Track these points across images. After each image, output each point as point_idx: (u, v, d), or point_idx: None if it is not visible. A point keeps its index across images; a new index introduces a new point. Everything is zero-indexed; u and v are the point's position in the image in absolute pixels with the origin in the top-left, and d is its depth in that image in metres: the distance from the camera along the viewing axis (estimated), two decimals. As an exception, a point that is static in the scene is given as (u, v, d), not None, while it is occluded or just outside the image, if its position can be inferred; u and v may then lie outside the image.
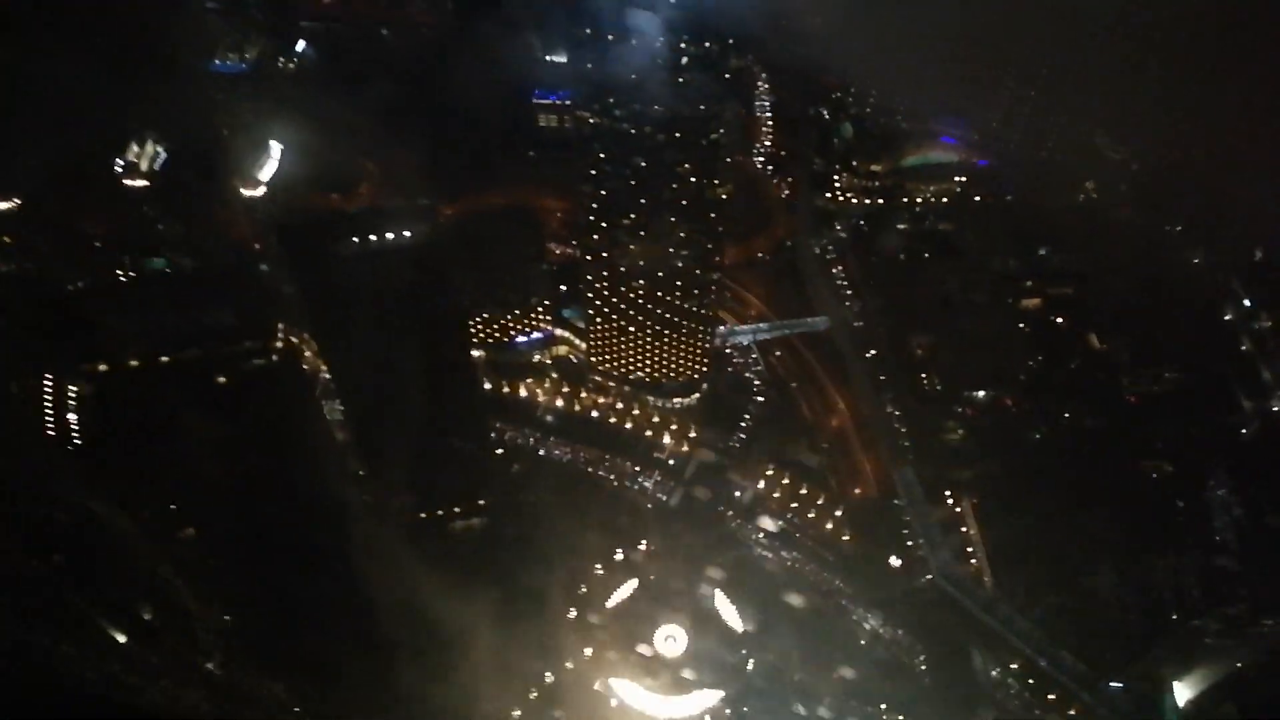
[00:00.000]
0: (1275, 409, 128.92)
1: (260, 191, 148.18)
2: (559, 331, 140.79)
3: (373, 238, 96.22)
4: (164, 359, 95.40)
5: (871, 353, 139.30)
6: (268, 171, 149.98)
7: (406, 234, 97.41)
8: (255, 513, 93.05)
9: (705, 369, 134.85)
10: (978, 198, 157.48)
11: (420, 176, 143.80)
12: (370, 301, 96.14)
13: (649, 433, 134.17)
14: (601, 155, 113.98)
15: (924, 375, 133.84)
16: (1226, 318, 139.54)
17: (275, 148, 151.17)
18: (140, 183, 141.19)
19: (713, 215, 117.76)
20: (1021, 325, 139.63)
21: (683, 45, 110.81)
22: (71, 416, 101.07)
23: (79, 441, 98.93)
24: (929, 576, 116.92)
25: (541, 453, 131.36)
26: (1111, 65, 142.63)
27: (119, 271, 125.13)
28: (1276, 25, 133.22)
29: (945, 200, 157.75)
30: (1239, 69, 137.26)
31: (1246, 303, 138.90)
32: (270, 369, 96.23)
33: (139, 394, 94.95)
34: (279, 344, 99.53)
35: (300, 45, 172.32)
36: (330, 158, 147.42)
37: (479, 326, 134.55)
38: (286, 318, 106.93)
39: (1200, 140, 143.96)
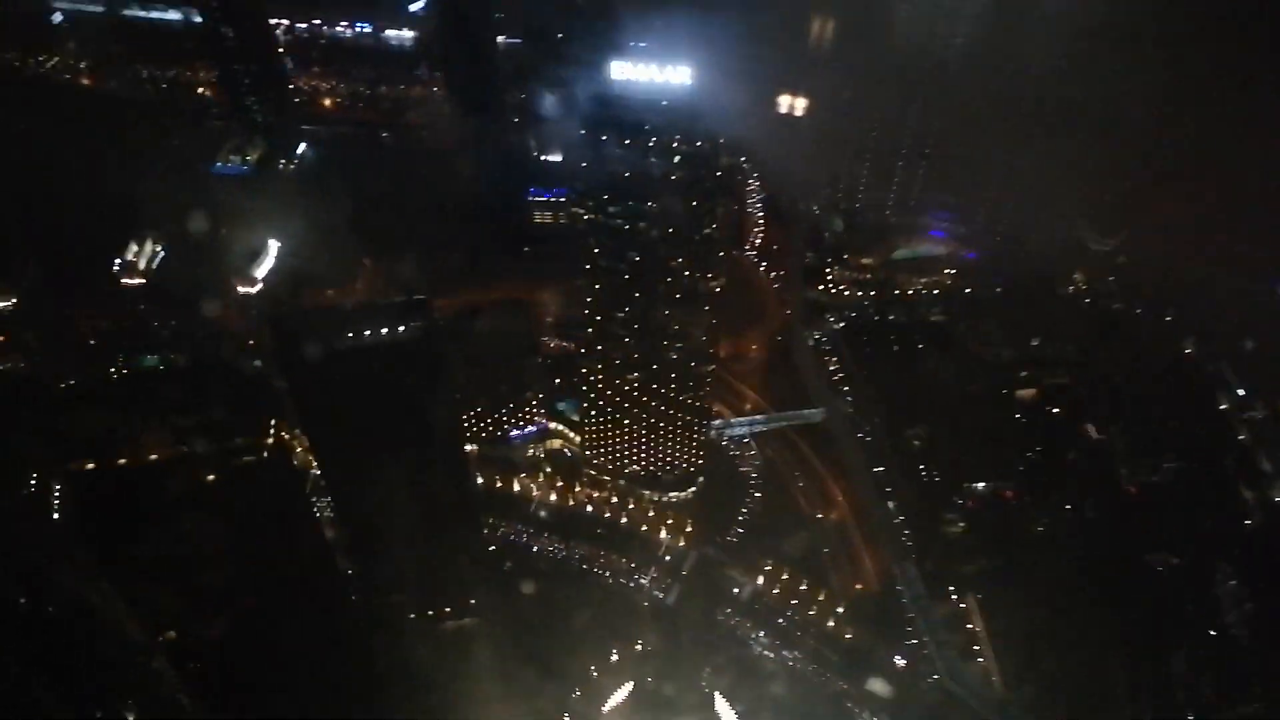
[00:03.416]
0: (1277, 499, 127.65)
1: (256, 288, 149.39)
2: (553, 425, 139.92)
3: (367, 333, 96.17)
4: (152, 457, 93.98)
5: (869, 445, 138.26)
6: (264, 269, 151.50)
7: (401, 329, 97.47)
8: (244, 612, 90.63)
9: (701, 463, 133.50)
10: (968, 289, 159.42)
11: (416, 272, 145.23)
12: (363, 397, 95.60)
13: (645, 528, 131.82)
14: (596, 250, 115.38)
15: (922, 467, 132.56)
16: (1222, 407, 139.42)
17: (273, 245, 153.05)
18: (137, 281, 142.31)
19: (707, 309, 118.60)
20: (1018, 416, 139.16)
21: (675, 144, 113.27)
22: (60, 515, 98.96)
23: (67, 540, 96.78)
24: (935, 676, 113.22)
25: (535, 549, 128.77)
26: (1094, 161, 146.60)
27: (111, 369, 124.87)
28: (1255, 120, 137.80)
29: (936, 292, 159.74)
30: (1220, 162, 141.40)
31: (1240, 392, 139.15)
32: (261, 466, 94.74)
33: (127, 492, 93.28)
34: (270, 440, 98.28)
35: (301, 147, 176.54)
36: (327, 255, 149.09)
37: (472, 421, 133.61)
38: (279, 413, 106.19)
39: (1186, 233, 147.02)
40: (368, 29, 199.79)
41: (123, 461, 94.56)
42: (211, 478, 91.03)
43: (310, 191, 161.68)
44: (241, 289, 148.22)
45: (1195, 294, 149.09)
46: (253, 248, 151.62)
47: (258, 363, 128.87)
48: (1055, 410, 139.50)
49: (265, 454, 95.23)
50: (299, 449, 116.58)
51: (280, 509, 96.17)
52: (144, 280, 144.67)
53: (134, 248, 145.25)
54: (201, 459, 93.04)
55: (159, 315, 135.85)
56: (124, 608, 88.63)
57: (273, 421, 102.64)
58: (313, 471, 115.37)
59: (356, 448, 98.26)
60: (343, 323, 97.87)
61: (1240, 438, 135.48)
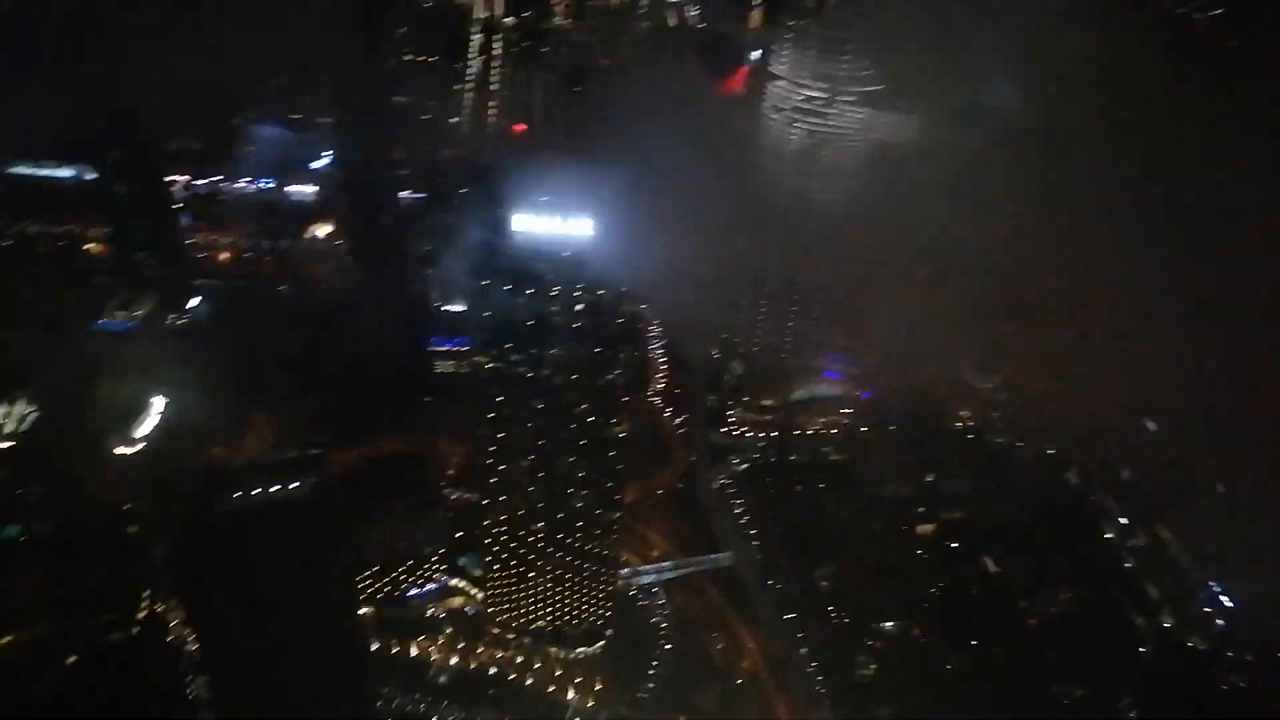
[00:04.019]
0: (1167, 625, 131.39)
1: (136, 449, 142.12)
2: (455, 582, 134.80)
3: (256, 492, 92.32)
4: (7, 639, 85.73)
5: (777, 588, 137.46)
6: (146, 428, 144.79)
7: (293, 486, 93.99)
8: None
9: (610, 615, 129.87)
10: (865, 428, 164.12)
11: (311, 426, 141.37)
12: (249, 561, 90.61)
13: (552, 688, 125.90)
14: (499, 399, 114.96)
15: (831, 609, 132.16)
16: (1108, 536, 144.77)
17: (157, 403, 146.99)
18: (4, 445, 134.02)
19: (612, 454, 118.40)
20: (920, 552, 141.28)
21: (577, 293, 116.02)
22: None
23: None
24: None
25: (435, 719, 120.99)
26: (972, 305, 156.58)
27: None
28: (1117, 265, 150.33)
29: (835, 431, 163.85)
30: (1087, 305, 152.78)
31: (1123, 520, 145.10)
32: (130, 643, 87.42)
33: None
34: (144, 615, 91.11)
35: (194, 301, 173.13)
36: (216, 410, 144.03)
37: (368, 581, 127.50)
38: (154, 584, 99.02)
39: (1059, 370, 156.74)
40: (269, 184, 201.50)
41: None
42: (74, 660, 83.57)
43: (200, 346, 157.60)
44: (120, 450, 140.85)
45: (1072, 428, 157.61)
46: (134, 406, 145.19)
47: (133, 529, 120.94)
48: (954, 545, 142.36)
49: (137, 630, 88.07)
50: (175, 622, 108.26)
51: (152, 692, 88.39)
52: (13, 444, 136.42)
53: (3, 409, 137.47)
54: (65, 638, 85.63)
55: (26, 482, 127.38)
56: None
57: (147, 593, 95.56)
58: (189, 646, 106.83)
59: (240, 618, 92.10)
60: (229, 482, 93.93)
61: (1127, 565, 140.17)
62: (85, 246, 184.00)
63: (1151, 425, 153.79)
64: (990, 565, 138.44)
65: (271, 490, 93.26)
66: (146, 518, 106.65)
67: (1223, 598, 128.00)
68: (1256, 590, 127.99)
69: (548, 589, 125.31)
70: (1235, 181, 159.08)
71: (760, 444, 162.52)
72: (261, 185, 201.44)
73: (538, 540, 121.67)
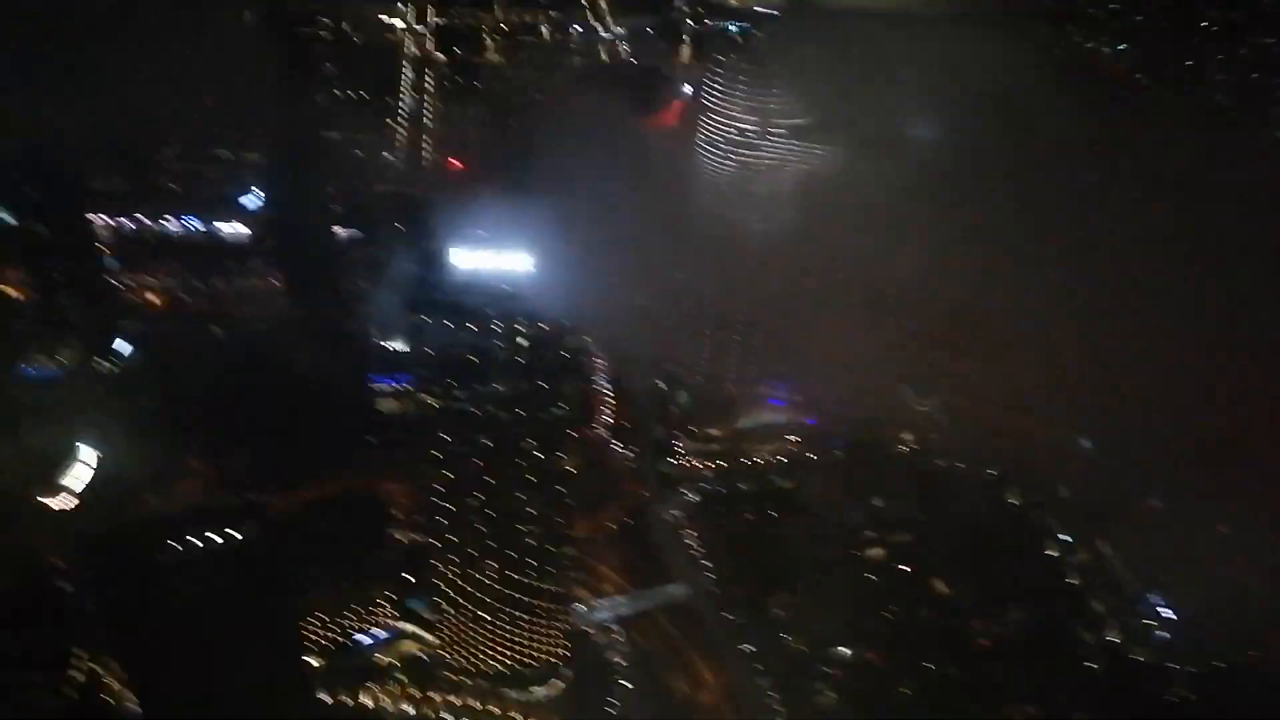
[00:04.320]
0: (1113, 640, 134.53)
1: (65, 502, 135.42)
2: (406, 627, 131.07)
3: (194, 541, 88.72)
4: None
5: (733, 619, 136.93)
6: (75, 480, 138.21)
7: (233, 534, 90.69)
8: None
9: (566, 653, 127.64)
10: (810, 455, 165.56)
11: (251, 471, 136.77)
12: (189, 615, 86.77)
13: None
14: (445, 436, 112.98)
15: (787, 637, 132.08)
16: (1051, 554, 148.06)
17: (88, 454, 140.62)
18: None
19: (560, 489, 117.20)
20: (871, 576, 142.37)
21: (520, 327, 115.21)
22: None
23: None
24: None
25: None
26: (908, 329, 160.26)
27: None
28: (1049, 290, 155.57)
29: (782, 459, 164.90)
30: (1022, 326, 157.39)
31: (1065, 538, 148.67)
32: (66, 705, 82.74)
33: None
34: (78, 677, 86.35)
35: (121, 345, 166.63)
36: (149, 458, 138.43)
37: (315, 630, 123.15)
38: (87, 644, 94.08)
39: (995, 391, 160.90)
40: (198, 224, 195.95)
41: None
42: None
43: (130, 392, 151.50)
44: (50, 504, 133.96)
45: (1010, 448, 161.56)
46: (62, 457, 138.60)
47: (65, 586, 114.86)
48: (904, 569, 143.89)
49: (70, 694, 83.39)
50: (112, 684, 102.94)
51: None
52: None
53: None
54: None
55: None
56: None
57: (81, 654, 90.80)
58: (128, 705, 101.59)
59: (181, 676, 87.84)
60: (165, 533, 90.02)
61: (1072, 582, 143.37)
62: (4, 290, 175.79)
63: (1086, 443, 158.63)
64: (940, 587, 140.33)
65: (209, 540, 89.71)
66: (78, 574, 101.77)
67: (1163, 610, 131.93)
68: (1193, 600, 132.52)
69: (501, 630, 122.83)
70: (1149, 203, 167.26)
71: (709, 474, 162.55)
72: (190, 224, 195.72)
73: (489, 580, 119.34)
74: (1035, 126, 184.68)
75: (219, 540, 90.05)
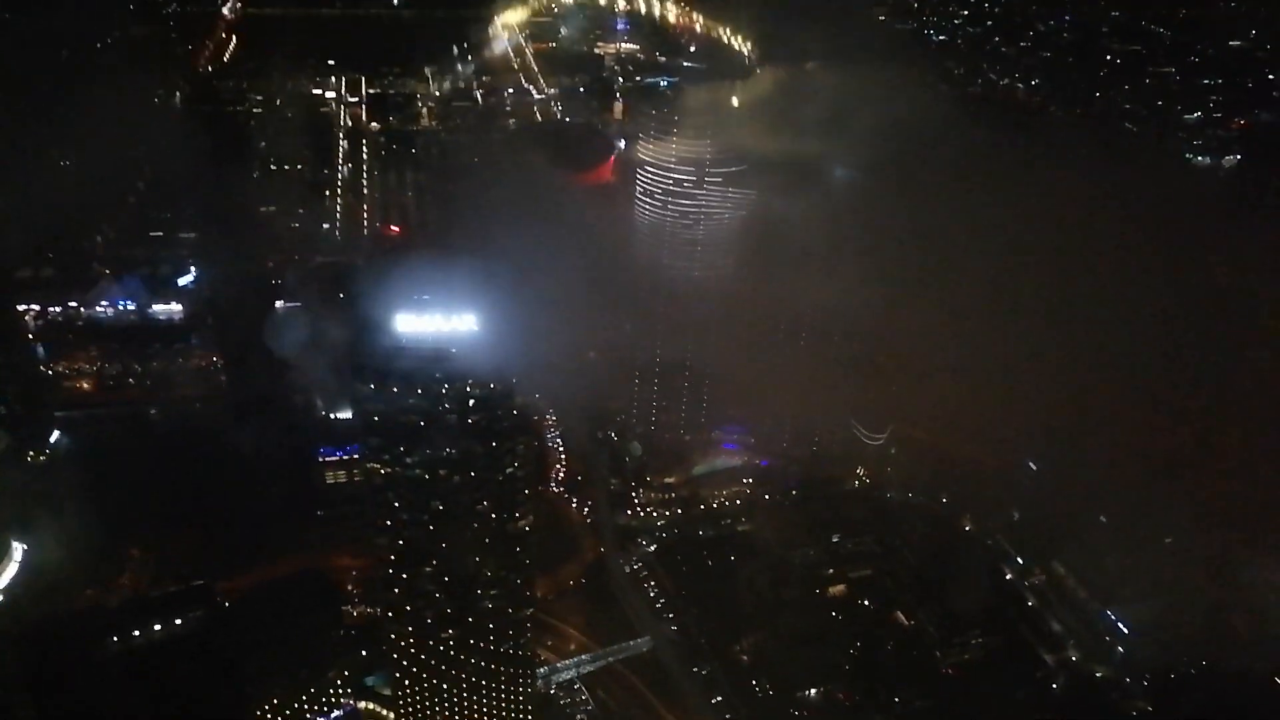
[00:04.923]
0: (1073, 657, 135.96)
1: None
2: (363, 705, 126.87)
3: (136, 633, 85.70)
4: None
5: (698, 668, 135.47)
6: (5, 578, 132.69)
7: (178, 622, 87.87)
8: None
9: (531, 717, 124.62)
10: (767, 496, 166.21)
11: (196, 555, 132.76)
12: (134, 708, 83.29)
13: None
14: (396, 504, 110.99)
15: (754, 681, 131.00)
16: (1009, 577, 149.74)
17: (17, 549, 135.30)
18: None
19: (518, 550, 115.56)
20: (834, 614, 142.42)
21: (468, 389, 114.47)
22: None
23: None
24: None
25: None
26: (856, 366, 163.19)
27: None
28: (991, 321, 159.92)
29: (739, 502, 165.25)
30: (965, 358, 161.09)
31: (1019, 560, 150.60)
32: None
33: None
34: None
35: (54, 436, 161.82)
36: (86, 550, 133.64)
37: (268, 714, 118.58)
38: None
39: (940, 421, 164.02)
40: (131, 306, 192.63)
41: None
42: None
43: (63, 483, 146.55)
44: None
45: (961, 475, 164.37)
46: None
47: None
48: (866, 603, 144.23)
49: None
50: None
51: None
52: None
53: None
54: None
55: None
56: None
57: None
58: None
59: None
60: (107, 625, 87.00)
61: (1030, 603, 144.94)
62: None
63: (1032, 465, 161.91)
64: (903, 619, 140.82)
65: (154, 629, 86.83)
66: (13, 676, 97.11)
67: (1119, 624, 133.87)
68: (1146, 612, 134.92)
69: (463, 699, 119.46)
70: (1081, 230, 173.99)
71: (667, 523, 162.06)
72: (122, 307, 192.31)
73: (449, 649, 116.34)
74: (959, 160, 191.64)
75: (163, 629, 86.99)
